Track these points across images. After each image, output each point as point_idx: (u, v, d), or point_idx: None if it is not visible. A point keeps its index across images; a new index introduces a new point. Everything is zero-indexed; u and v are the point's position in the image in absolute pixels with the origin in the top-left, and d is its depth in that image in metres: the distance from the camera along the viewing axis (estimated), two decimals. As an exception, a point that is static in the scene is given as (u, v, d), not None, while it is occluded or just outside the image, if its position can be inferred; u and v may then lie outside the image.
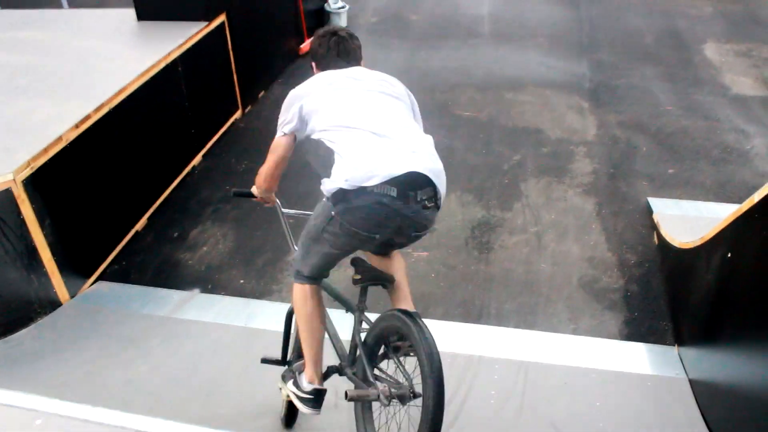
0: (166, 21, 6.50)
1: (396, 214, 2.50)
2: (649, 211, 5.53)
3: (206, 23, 6.39)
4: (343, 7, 9.67)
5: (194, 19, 6.40)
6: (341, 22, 9.62)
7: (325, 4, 9.71)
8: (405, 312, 2.61)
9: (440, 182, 2.58)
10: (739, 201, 3.44)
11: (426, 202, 2.55)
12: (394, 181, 2.46)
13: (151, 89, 5.51)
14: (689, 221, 5.19)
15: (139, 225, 5.52)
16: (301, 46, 8.88)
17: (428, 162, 2.56)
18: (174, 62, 5.83)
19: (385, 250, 2.95)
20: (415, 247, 4.88)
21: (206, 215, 5.71)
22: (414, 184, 2.50)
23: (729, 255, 3.56)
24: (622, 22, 9.76)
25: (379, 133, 2.56)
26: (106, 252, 5.16)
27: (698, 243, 4.09)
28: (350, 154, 2.53)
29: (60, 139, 4.52)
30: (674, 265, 4.74)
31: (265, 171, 2.96)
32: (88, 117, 4.80)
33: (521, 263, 5.05)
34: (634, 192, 5.87)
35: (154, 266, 5.17)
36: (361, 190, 2.48)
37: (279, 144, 2.83)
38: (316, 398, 2.86)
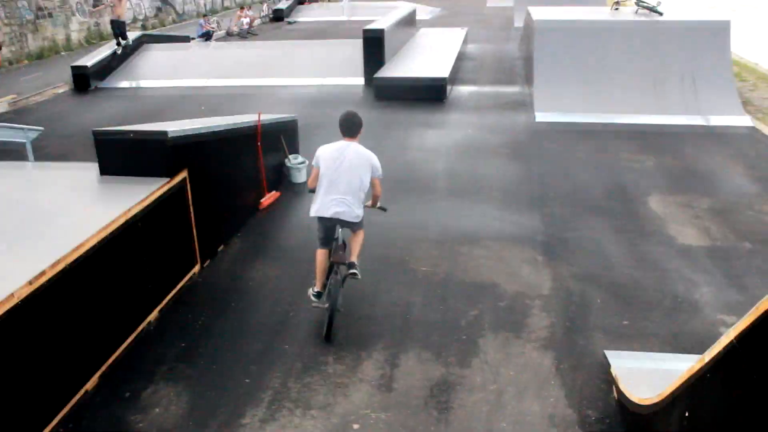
0: (129, 176, 6.59)
1: (328, 221, 5.97)
2: (607, 364, 5.56)
3: (168, 180, 6.51)
4: (303, 163, 10.00)
5: (156, 176, 6.52)
6: (301, 176, 9.91)
7: (286, 160, 10.02)
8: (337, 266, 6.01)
9: (345, 215, 5.89)
10: (693, 351, 3.53)
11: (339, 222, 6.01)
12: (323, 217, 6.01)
13: (109, 246, 5.50)
14: (646, 375, 5.22)
15: (90, 384, 5.33)
16: (262, 200, 9.03)
17: (340, 210, 5.87)
18: (134, 218, 5.86)
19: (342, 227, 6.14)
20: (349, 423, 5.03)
21: (160, 374, 5.55)
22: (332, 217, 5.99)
23: (687, 414, 3.58)
24: (571, 177, 10.25)
25: (331, 189, 5.86)
26: (52, 413, 4.94)
27: (656, 400, 4.11)
28: (316, 200, 5.98)
29: (12, 296, 4.43)
30: (634, 421, 4.72)
31: (309, 180, 6.25)
32: (42, 273, 4.73)
33: (481, 423, 4.97)
34: (590, 345, 5.92)
35: (103, 429, 4.95)
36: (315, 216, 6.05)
37: (313, 170, 6.10)
38: (318, 296, 6.05)
